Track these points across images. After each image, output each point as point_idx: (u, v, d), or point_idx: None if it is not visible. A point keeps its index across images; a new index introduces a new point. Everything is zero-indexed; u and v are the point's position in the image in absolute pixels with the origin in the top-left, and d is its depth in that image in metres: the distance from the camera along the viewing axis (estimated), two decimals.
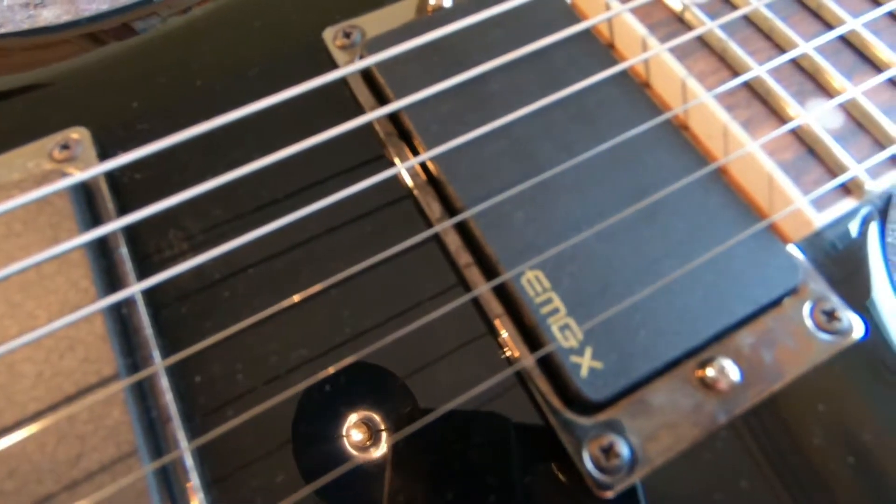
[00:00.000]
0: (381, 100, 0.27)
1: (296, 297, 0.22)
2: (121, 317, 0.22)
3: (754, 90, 0.25)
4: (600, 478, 0.20)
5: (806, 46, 0.25)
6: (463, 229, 0.24)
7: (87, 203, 0.24)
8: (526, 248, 0.23)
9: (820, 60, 0.25)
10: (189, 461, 0.20)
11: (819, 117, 0.24)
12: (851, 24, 0.26)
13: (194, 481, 0.20)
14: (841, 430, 0.22)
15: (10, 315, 0.21)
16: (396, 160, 0.26)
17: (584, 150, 0.25)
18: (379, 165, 0.26)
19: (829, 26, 0.26)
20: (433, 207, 0.24)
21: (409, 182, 0.25)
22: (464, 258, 0.23)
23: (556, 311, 0.22)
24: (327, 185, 0.25)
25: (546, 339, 0.21)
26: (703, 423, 0.21)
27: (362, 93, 0.27)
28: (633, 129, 0.25)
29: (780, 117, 0.24)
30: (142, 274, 0.23)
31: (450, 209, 0.24)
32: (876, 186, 0.23)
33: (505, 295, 0.23)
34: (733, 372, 0.21)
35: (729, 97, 0.25)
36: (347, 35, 0.29)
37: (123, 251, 0.23)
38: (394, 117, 0.26)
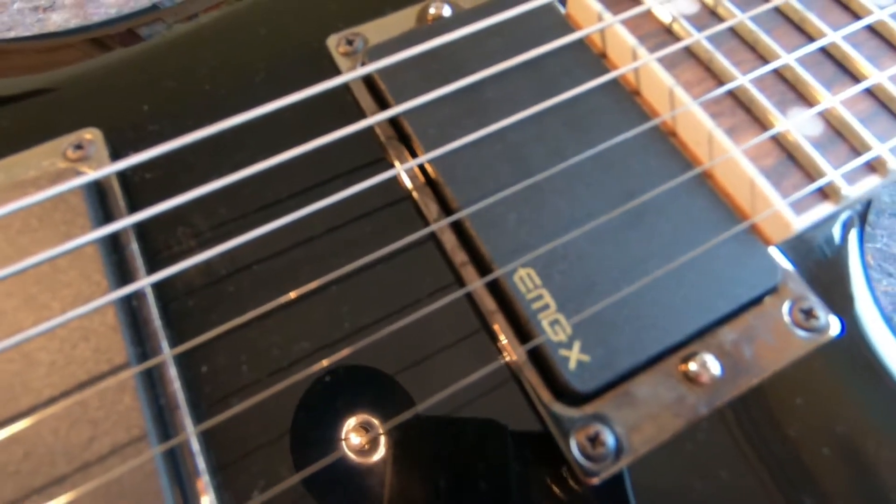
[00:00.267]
0: (382, 105, 0.28)
1: (292, 294, 0.23)
2: (131, 309, 0.23)
3: (738, 99, 0.26)
4: (587, 465, 0.21)
5: (788, 58, 0.26)
6: (459, 229, 0.25)
7: (99, 200, 0.25)
8: (519, 247, 0.24)
9: (801, 71, 0.26)
10: (195, 445, 0.21)
11: (799, 125, 0.25)
12: (832, 36, 0.27)
13: (200, 465, 0.21)
14: (817, 423, 0.23)
15: (26, 306, 0.22)
16: (396, 162, 0.27)
17: (576, 154, 0.26)
18: (379, 167, 0.27)
19: (810, 38, 0.27)
20: (430, 208, 0.25)
21: (408, 183, 0.26)
22: (459, 257, 0.24)
23: (546, 306, 0.23)
24: (329, 185, 0.26)
25: (537, 333, 0.22)
26: (685, 415, 0.22)
27: (364, 98, 0.28)
28: (623, 135, 0.26)
29: (762, 125, 0.25)
30: (151, 268, 0.24)
31: (446, 209, 0.25)
32: (852, 192, 0.24)
33: (498, 292, 0.24)
34: (715, 366, 0.22)
35: (714, 105, 0.26)
36: (350, 42, 0.30)
37: (134, 247, 0.24)
38: (394, 121, 0.27)
